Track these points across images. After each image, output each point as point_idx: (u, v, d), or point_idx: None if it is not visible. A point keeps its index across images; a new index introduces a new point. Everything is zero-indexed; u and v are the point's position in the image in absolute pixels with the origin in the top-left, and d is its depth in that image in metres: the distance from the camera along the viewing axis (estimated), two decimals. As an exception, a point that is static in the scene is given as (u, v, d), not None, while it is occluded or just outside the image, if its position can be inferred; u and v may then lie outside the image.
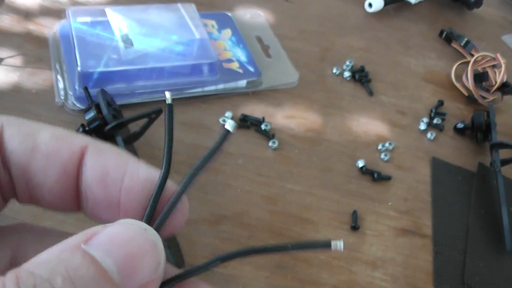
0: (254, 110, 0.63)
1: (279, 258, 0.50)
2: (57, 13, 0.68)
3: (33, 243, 0.24)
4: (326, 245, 0.21)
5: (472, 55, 0.73)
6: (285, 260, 0.50)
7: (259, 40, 0.72)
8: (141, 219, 0.22)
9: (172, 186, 0.23)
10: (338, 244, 0.21)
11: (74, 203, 0.22)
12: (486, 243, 0.55)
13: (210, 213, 0.52)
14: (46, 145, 0.21)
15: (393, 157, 0.61)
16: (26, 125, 0.22)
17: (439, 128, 0.66)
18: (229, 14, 0.74)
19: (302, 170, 0.58)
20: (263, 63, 0.68)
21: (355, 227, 0.53)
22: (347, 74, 0.69)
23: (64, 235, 0.24)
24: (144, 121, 0.54)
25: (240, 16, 0.75)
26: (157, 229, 0.22)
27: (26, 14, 0.67)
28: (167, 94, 0.23)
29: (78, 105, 0.57)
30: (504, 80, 0.69)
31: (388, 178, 0.59)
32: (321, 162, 0.59)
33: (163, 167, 0.23)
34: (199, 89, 0.62)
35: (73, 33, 0.61)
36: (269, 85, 0.65)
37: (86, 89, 0.54)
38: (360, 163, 0.59)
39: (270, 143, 0.59)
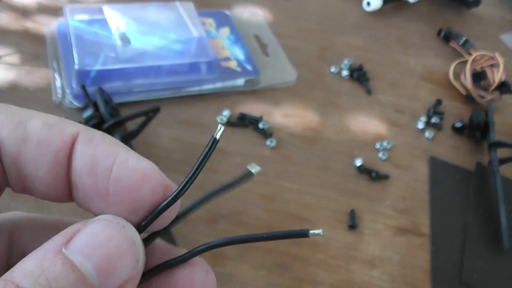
0: (252, 108, 0.62)
1: (277, 257, 0.50)
2: (55, 11, 0.68)
3: (27, 229, 0.24)
4: (303, 233, 0.21)
5: (471, 54, 0.73)
6: (282, 259, 0.50)
7: (257, 38, 0.71)
8: (129, 210, 0.21)
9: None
10: (317, 232, 0.21)
11: (66, 193, 0.22)
12: (484, 242, 0.55)
13: (207, 212, 0.52)
14: (37, 134, 0.21)
15: (391, 156, 0.61)
16: (17, 112, 0.22)
17: (437, 127, 0.66)
18: (227, 12, 0.74)
19: (300, 169, 0.58)
20: (261, 61, 0.67)
21: (353, 226, 0.53)
22: (345, 73, 0.69)
23: (57, 221, 0.24)
24: (141, 119, 0.54)
25: (238, 15, 0.74)
26: (146, 226, 0.22)
27: (24, 12, 0.67)
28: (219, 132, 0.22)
29: (75, 103, 0.57)
30: (503, 79, 0.69)
31: (386, 177, 0.59)
32: (319, 161, 0.59)
33: (181, 187, 0.22)
34: (197, 88, 0.62)
35: (71, 31, 0.60)
36: (267, 83, 0.65)
37: (83, 87, 0.54)
38: (358, 162, 0.59)
39: (268, 142, 0.59)
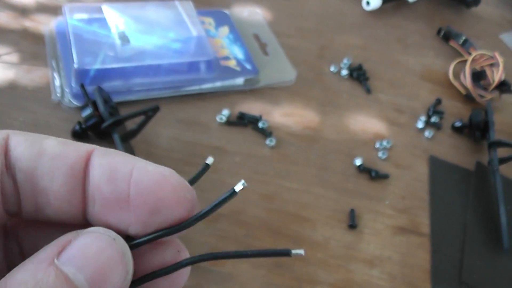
0: (251, 107, 0.62)
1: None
2: (54, 10, 0.67)
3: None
4: (285, 253, 0.22)
5: (470, 54, 0.73)
6: (282, 258, 0.50)
7: (257, 37, 0.71)
8: (151, 211, 0.22)
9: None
10: (299, 252, 0.22)
11: (80, 209, 0.22)
12: (483, 241, 0.54)
13: (207, 211, 0.52)
14: (52, 149, 0.22)
15: (390, 156, 0.61)
16: (32, 134, 0.22)
17: (437, 126, 0.65)
18: (227, 11, 0.73)
19: (300, 168, 0.58)
20: (260, 60, 0.67)
21: (352, 226, 0.53)
22: (344, 72, 0.69)
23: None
24: (141, 118, 0.54)
25: (238, 14, 0.74)
26: (140, 245, 0.22)
27: (22, 11, 0.67)
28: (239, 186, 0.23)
29: (74, 102, 0.57)
30: (502, 78, 0.69)
31: (385, 177, 0.59)
32: (319, 160, 0.59)
33: (189, 221, 0.23)
34: (196, 87, 0.62)
35: (70, 30, 0.60)
36: (267, 82, 0.65)
37: (82, 86, 0.54)
38: (358, 161, 0.59)
39: (267, 141, 0.59)
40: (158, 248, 0.23)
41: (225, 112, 0.60)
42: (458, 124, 0.65)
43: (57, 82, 0.59)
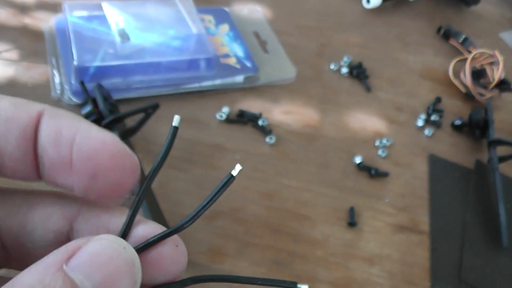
0: (251, 105, 0.62)
1: (276, 254, 0.50)
2: (53, 7, 0.67)
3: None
4: (292, 285, 0.23)
5: (470, 52, 0.73)
6: (282, 256, 0.50)
7: (257, 35, 0.71)
8: (90, 177, 0.22)
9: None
10: (304, 286, 0.23)
11: (34, 169, 0.23)
12: (483, 240, 0.54)
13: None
14: (5, 112, 0.22)
15: (390, 154, 0.61)
16: None
17: (436, 124, 0.65)
18: (227, 9, 0.73)
19: (299, 166, 0.58)
20: (260, 58, 0.67)
21: (352, 224, 0.53)
22: (344, 70, 0.69)
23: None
24: (140, 116, 0.53)
25: (238, 11, 0.74)
26: (142, 250, 0.22)
27: (22, 8, 0.67)
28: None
29: (74, 99, 0.57)
30: (502, 77, 0.69)
31: (385, 175, 0.59)
32: (318, 158, 0.59)
33: (189, 217, 0.23)
34: (196, 84, 0.62)
35: (70, 27, 0.60)
36: (267, 80, 0.65)
37: (82, 83, 0.54)
38: (357, 159, 0.59)
39: (267, 139, 0.59)
40: (157, 243, 0.23)
41: (225, 109, 0.60)
42: (458, 122, 0.65)
43: (57, 79, 0.58)
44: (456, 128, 0.66)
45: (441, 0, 0.87)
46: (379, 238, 0.53)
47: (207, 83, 0.62)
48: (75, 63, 0.57)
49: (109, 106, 0.53)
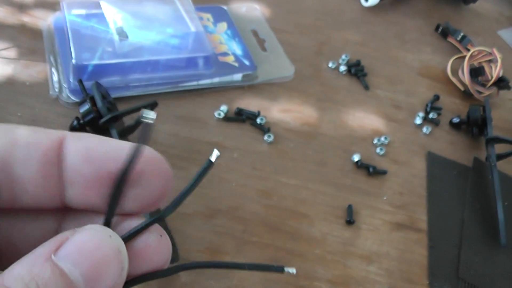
0: (250, 103, 0.62)
1: (274, 252, 0.50)
2: (52, 5, 0.67)
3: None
4: (279, 269, 0.24)
5: (468, 50, 0.73)
6: (280, 254, 0.50)
7: (255, 33, 0.71)
8: (131, 185, 0.22)
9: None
10: (291, 270, 0.24)
11: (57, 194, 0.23)
12: (481, 237, 0.55)
13: (204, 207, 0.52)
14: (25, 137, 0.22)
15: (388, 152, 0.61)
16: (2, 124, 0.23)
17: (434, 122, 0.66)
18: (225, 7, 0.73)
19: (298, 164, 0.58)
20: (258, 56, 0.67)
21: (350, 222, 0.53)
22: (343, 68, 0.69)
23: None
24: (139, 114, 0.53)
25: (236, 10, 0.74)
26: (130, 238, 0.23)
27: (21, 6, 0.67)
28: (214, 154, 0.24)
29: (72, 97, 0.57)
30: (500, 75, 0.69)
31: (383, 173, 0.59)
32: (317, 156, 0.59)
33: (173, 203, 0.24)
34: (194, 83, 0.62)
35: (68, 25, 0.60)
36: (265, 78, 0.65)
37: (80, 81, 0.54)
38: (356, 157, 0.59)
39: (266, 137, 0.59)
40: (142, 233, 0.23)
41: (223, 108, 0.60)
42: (456, 120, 0.65)
43: (55, 78, 0.58)
44: (454, 126, 0.66)
45: (439, -2, 0.87)
46: (377, 236, 0.53)
47: (205, 81, 0.62)
48: (73, 61, 0.57)
49: (107, 104, 0.53)
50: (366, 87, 0.68)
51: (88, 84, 0.54)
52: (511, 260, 0.53)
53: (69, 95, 0.57)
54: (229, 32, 0.69)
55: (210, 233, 0.50)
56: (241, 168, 0.56)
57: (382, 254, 0.52)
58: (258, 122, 0.60)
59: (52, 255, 0.20)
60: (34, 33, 0.63)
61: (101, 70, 0.58)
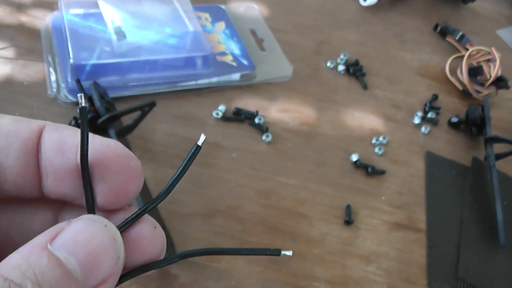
0: (248, 103, 0.62)
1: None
2: (50, 5, 0.67)
3: None
4: (276, 253, 0.24)
5: (467, 49, 0.73)
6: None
7: (253, 33, 0.71)
8: (97, 180, 0.23)
9: None
10: (288, 253, 0.24)
11: (36, 183, 0.23)
12: (480, 237, 0.54)
13: (203, 207, 0.52)
14: (6, 126, 0.23)
15: (387, 151, 0.61)
16: None
17: (433, 122, 0.65)
18: (223, 7, 0.73)
19: (296, 164, 0.58)
20: (257, 56, 0.67)
21: (348, 222, 0.53)
22: (341, 67, 0.69)
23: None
24: (137, 114, 0.53)
25: (234, 9, 0.74)
26: (125, 226, 0.23)
27: (19, 6, 0.67)
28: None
29: (70, 97, 0.57)
30: (499, 74, 0.69)
31: (382, 172, 0.58)
32: (315, 156, 0.59)
33: (164, 190, 0.24)
34: (193, 82, 0.62)
35: (66, 25, 0.60)
36: (263, 78, 0.65)
37: (78, 81, 0.54)
38: (354, 157, 0.59)
39: (264, 137, 0.59)
40: (135, 225, 0.23)
41: (222, 107, 0.60)
42: (454, 119, 0.65)
43: (53, 77, 0.58)
44: (453, 125, 0.66)
45: (438, -2, 0.87)
46: (376, 236, 0.53)
47: (203, 81, 0.62)
48: (71, 61, 0.57)
49: (106, 104, 0.53)
50: (365, 87, 0.68)
51: (86, 84, 0.54)
52: (510, 260, 0.53)
53: (67, 95, 0.57)
54: (227, 31, 0.69)
55: (209, 233, 0.50)
56: (239, 168, 0.56)
57: (381, 254, 0.52)
58: (257, 122, 0.60)
59: (48, 245, 0.20)
60: (32, 33, 0.63)
61: (99, 69, 0.58)
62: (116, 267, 0.21)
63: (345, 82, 0.68)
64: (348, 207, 0.54)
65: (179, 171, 0.24)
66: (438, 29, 0.79)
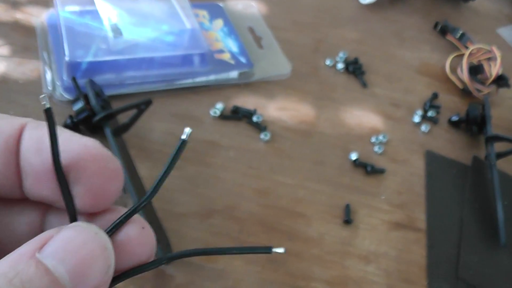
0: (246, 101, 0.62)
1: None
2: (45, 2, 0.66)
3: None
4: (267, 250, 0.24)
5: (467, 48, 0.73)
6: (276, 254, 0.49)
7: (251, 31, 0.71)
8: (74, 182, 0.22)
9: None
10: (279, 250, 0.24)
11: (17, 184, 0.23)
12: (480, 237, 0.54)
13: (200, 207, 0.51)
14: None
15: (386, 150, 0.60)
16: None
17: (433, 121, 0.65)
18: (221, 4, 0.73)
19: (295, 162, 0.57)
20: (255, 54, 0.67)
21: (347, 221, 0.53)
22: (340, 66, 0.69)
23: None
24: (133, 112, 0.53)
25: (232, 7, 0.73)
26: (114, 230, 0.22)
27: (14, 3, 0.66)
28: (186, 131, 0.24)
29: (66, 95, 0.56)
30: (500, 73, 0.68)
31: (381, 171, 0.58)
32: (314, 154, 0.58)
33: (152, 188, 0.24)
34: (190, 80, 0.61)
35: (61, 22, 0.59)
36: (261, 76, 0.64)
37: (74, 79, 0.53)
38: (353, 156, 0.58)
39: (262, 136, 0.58)
40: (123, 226, 0.23)
41: (219, 106, 0.60)
42: (455, 118, 0.65)
43: (49, 75, 0.58)
44: (453, 124, 0.65)
45: (438, -4, 0.86)
46: (375, 236, 0.53)
47: (201, 79, 0.62)
48: (66, 58, 0.56)
49: (101, 102, 0.52)
50: (364, 85, 0.67)
51: (82, 81, 0.53)
52: (511, 259, 0.53)
53: (63, 93, 0.56)
54: (225, 29, 0.68)
55: (206, 233, 0.49)
56: (237, 167, 0.55)
57: (380, 254, 0.51)
58: (255, 120, 0.59)
59: (37, 253, 0.19)
60: (27, 30, 0.63)
61: (95, 67, 0.57)
62: (107, 276, 0.21)
63: (344, 80, 0.68)
64: (347, 206, 0.54)
65: (166, 168, 0.23)
66: (438, 27, 0.79)
